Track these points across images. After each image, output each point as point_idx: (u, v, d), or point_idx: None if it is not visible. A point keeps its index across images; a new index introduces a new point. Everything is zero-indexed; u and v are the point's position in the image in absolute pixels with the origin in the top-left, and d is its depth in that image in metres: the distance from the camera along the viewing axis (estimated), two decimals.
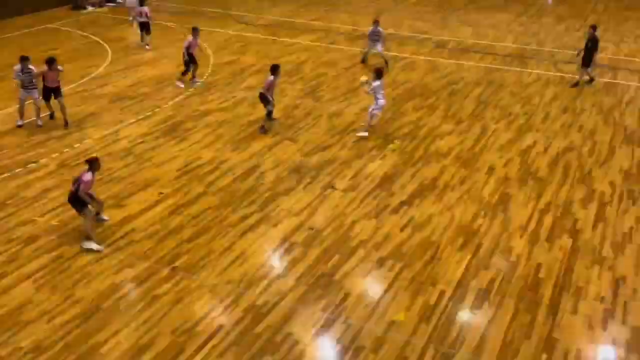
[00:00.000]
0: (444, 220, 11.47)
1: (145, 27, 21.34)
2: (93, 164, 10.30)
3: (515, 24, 26.77)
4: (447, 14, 28.52)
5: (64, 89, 16.58)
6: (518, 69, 20.48)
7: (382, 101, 14.79)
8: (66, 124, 14.98)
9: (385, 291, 9.56)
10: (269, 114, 15.12)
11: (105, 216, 11.16)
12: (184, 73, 17.99)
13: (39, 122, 15.02)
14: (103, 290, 9.41)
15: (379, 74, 14.75)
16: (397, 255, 10.44)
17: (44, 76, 14.57)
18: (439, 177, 13.11)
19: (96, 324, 8.69)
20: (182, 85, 17.87)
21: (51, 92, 14.84)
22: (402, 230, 11.17)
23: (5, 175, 12.70)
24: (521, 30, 25.77)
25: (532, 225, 11.38)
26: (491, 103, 17.39)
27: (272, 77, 14.81)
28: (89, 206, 10.42)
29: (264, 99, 15.01)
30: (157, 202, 11.85)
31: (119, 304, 9.12)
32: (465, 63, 21.08)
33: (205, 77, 18.89)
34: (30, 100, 14.92)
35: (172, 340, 8.45)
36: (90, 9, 27.41)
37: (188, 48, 17.78)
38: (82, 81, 18.06)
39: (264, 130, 15.00)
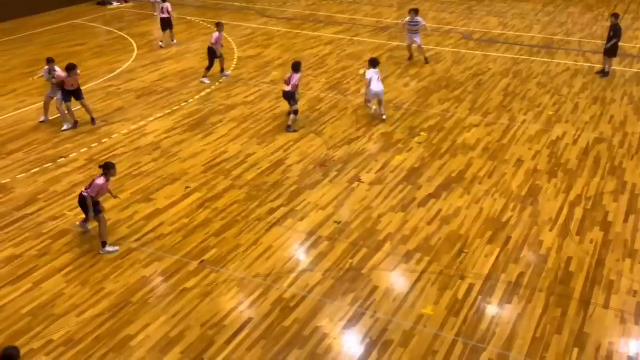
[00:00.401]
0: (472, 213, 11.36)
1: (167, 24, 21.30)
2: (108, 170, 10.15)
3: (542, 14, 26.37)
4: (472, 5, 28.20)
5: (91, 84, 16.80)
6: (546, 59, 20.18)
7: (374, 88, 14.87)
8: (93, 121, 15.09)
9: (413, 285, 9.50)
10: (296, 112, 14.98)
11: (88, 226, 10.71)
12: (207, 69, 18.02)
13: (64, 127, 14.86)
14: (132, 283, 9.50)
15: (373, 63, 15.04)
16: (424, 248, 10.38)
17: (63, 81, 14.56)
18: (466, 169, 12.98)
19: (126, 317, 8.78)
20: (208, 81, 17.91)
21: (71, 94, 14.78)
22: (429, 223, 11.09)
23: (35, 170, 12.87)
24: (548, 19, 25.38)
25: (562, 217, 11.22)
26: (519, 94, 17.17)
27: (297, 75, 14.63)
28: (102, 212, 10.25)
29: (292, 97, 14.81)
30: (184, 196, 11.92)
31: (148, 298, 9.20)
32: (491, 54, 20.84)
33: (229, 70, 18.92)
34: (55, 98, 15.02)
35: (201, 333, 8.50)
36: (115, 4, 27.62)
37: (215, 43, 17.74)
38: (108, 76, 18.21)
39: (291, 129, 14.79)
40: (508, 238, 10.65)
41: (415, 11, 19.19)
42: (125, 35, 22.80)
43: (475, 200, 11.82)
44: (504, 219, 11.20)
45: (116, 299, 9.16)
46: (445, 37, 22.83)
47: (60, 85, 14.55)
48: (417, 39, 19.35)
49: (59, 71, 14.58)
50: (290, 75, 14.65)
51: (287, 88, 14.64)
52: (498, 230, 10.87)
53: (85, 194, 10.09)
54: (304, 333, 8.52)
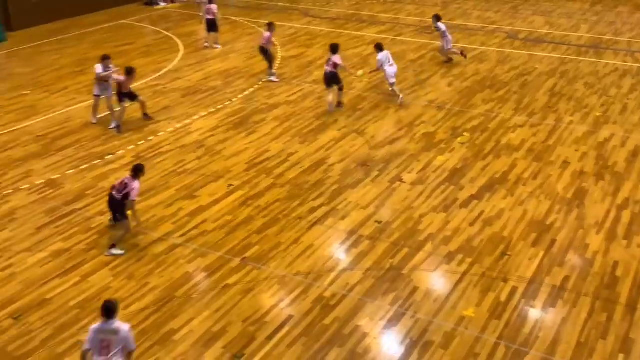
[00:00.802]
0: (516, 215, 11.22)
1: (212, 26, 21.48)
2: (139, 172, 10.29)
3: (590, 13, 25.80)
4: (518, 4, 27.76)
5: (138, 83, 17.17)
6: (593, 60, 19.75)
7: (390, 69, 16.09)
8: (147, 116, 15.41)
9: (455, 286, 9.44)
10: (341, 88, 16.10)
11: (118, 251, 10.38)
12: (270, 67, 18.23)
13: (112, 125, 15.14)
14: (177, 279, 9.69)
15: (379, 47, 16.35)
16: (466, 250, 10.29)
17: (120, 83, 14.71)
18: (511, 170, 12.82)
19: (170, 312, 8.96)
20: (277, 80, 18.13)
21: (125, 96, 14.95)
22: (472, 224, 10.99)
23: (84, 166, 13.23)
24: (596, 19, 24.82)
25: (609, 221, 10.98)
26: (565, 95, 16.85)
27: (337, 56, 15.71)
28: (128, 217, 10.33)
29: (336, 78, 15.75)
30: (227, 194, 12.09)
31: (191, 293, 9.37)
32: (537, 54, 20.49)
33: (268, 78, 19.05)
34: (104, 96, 15.30)
35: (243, 330, 8.62)
36: (162, 4, 28.13)
37: (266, 43, 17.88)
38: (155, 76, 18.58)
39: (341, 106, 16.10)
40: (553, 241, 10.47)
41: (436, 17, 19.25)
42: (172, 36, 23.20)
43: (520, 202, 11.66)
44: (548, 222, 11.02)
45: (161, 293, 9.36)
46: (490, 37, 22.55)
47: (118, 87, 14.83)
48: (441, 42, 19.33)
49: (118, 75, 14.81)
50: (329, 58, 15.68)
51: (328, 69, 15.67)
52: (543, 233, 10.71)
53: (119, 196, 10.11)
54: (344, 332, 8.56)
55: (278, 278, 9.69)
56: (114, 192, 10.23)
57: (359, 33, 23.24)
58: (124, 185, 10.17)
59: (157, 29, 24.31)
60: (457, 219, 11.18)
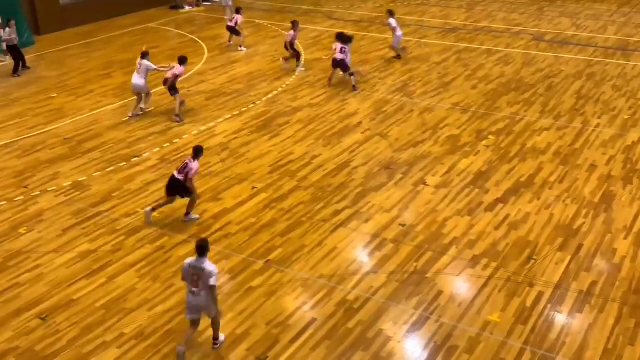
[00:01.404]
0: (542, 219, 11.09)
1: (232, 32, 21.68)
2: (199, 153, 11.07)
3: (618, 15, 25.45)
4: (544, 5, 27.48)
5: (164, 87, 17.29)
6: (621, 62, 19.47)
7: (399, 34, 18.69)
8: (178, 117, 16.01)
9: (480, 290, 9.36)
10: (352, 74, 17.41)
11: (194, 215, 11.41)
12: (298, 59, 19.25)
13: (141, 107, 16.09)
14: None
15: (391, 13, 19.00)
16: (491, 254, 10.20)
17: (177, 76, 15.67)
18: (536, 174, 12.68)
19: None
20: (304, 69, 19.25)
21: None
22: (497, 228, 10.89)
23: (111, 168, 13.37)
24: (624, 21, 24.47)
25: (638, 225, 10.81)
26: (592, 97, 16.63)
27: (347, 46, 17.27)
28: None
29: (345, 65, 17.24)
30: (251, 197, 12.13)
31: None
32: (564, 56, 20.26)
33: (296, 73, 19.13)
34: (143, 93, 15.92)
35: (266, 332, 8.64)
36: (187, 8, 28.35)
37: (291, 41, 18.81)
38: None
39: (356, 89, 17.39)
40: (580, 246, 10.33)
41: (389, 12, 20.00)
42: (197, 39, 23.37)
43: (546, 206, 11.52)
44: (575, 226, 10.87)
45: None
46: (516, 39, 22.35)
47: (172, 81, 15.55)
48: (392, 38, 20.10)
49: (177, 67, 15.57)
50: (335, 46, 17.23)
51: (338, 56, 17.11)
52: (569, 237, 10.57)
53: (181, 177, 10.89)
54: (368, 335, 8.53)
55: (301, 281, 9.69)
56: (175, 173, 10.99)
57: (382, 35, 23.19)
58: (184, 166, 10.92)
59: (182, 33, 24.51)
60: (482, 222, 11.09)
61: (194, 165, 10.92)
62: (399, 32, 19.72)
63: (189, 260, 8.07)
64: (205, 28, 25.17)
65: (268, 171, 13.13)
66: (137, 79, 15.65)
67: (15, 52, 19.34)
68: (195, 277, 7.94)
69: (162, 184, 12.52)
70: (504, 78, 18.31)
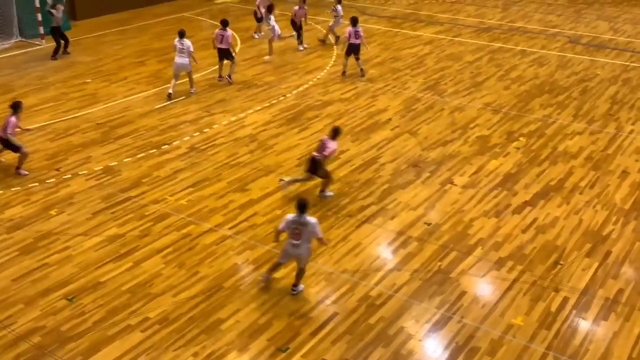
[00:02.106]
0: (571, 224, 10.95)
1: (258, 20, 22.07)
2: (337, 133, 11.60)
3: None
4: (581, 8, 27.04)
5: (196, 76, 17.46)
6: None
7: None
8: (229, 77, 17.47)
9: (504, 293, 9.29)
10: (358, 58, 18.03)
11: (328, 192, 11.91)
12: (298, 37, 20.20)
13: (192, 90, 16.80)
14: (226, 269, 9.83)
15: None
16: (517, 257, 10.11)
17: (221, 38, 17.19)
18: (567, 178, 12.52)
19: (218, 302, 9.10)
20: (306, 46, 20.81)
21: (223, 53, 17.46)
22: (524, 231, 10.79)
23: (141, 155, 13.54)
24: None
25: None
26: (627, 103, 16.35)
27: (350, 28, 17.63)
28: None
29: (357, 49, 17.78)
30: (278, 188, 12.18)
31: (239, 284, 9.50)
32: (599, 59, 19.93)
33: (328, 68, 19.13)
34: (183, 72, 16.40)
35: (288, 323, 8.69)
36: None
37: (296, 17, 20.33)
38: (212, 69, 18.83)
39: (363, 74, 18.08)
40: (608, 252, 10.19)
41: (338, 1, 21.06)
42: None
43: (575, 211, 11.38)
44: (604, 233, 10.73)
45: (210, 283, 9.51)
46: (551, 41, 22.04)
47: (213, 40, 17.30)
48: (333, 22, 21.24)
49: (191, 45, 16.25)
50: (350, 30, 17.58)
51: (356, 41, 17.55)
52: (598, 243, 10.43)
53: (320, 156, 11.41)
54: (389, 332, 8.53)
55: (325, 274, 9.72)
56: (315, 154, 11.47)
57: (415, 33, 23.07)
58: (322, 146, 11.42)
59: (216, 23, 24.57)
60: (509, 225, 10.99)
61: (332, 144, 11.42)
62: (341, 21, 21.04)
63: (289, 216, 8.97)
64: (239, 19, 25.23)
65: (295, 164, 13.17)
66: (182, 59, 16.16)
67: (58, 34, 19.56)
68: (297, 230, 8.85)
69: (191, 172, 12.71)
70: (538, 80, 18.09)
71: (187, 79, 16.71)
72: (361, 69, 18.11)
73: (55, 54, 19.62)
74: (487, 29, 23.50)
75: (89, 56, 20.22)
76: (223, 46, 17.42)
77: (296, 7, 20.68)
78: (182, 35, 16.28)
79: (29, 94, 16.85)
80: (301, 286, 9.33)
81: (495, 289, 9.41)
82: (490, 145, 13.97)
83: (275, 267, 9.40)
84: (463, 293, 9.29)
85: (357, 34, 17.63)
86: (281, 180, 11.96)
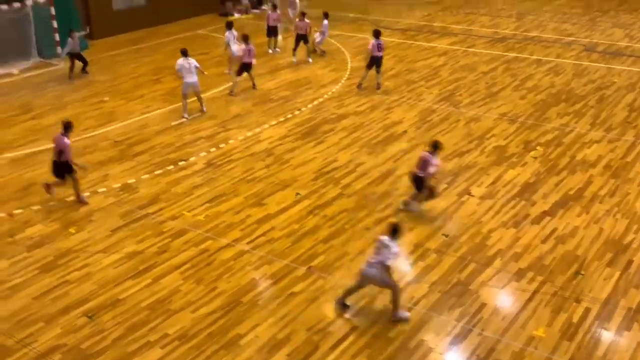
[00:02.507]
0: (591, 234, 10.83)
1: (273, 32, 22.24)
2: (438, 147, 11.27)
3: None
4: (596, 16, 26.90)
5: (212, 92, 17.61)
6: None
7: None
8: (254, 86, 18.23)
9: (525, 304, 9.19)
10: (379, 72, 18.27)
11: (416, 205, 11.68)
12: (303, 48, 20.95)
13: (204, 109, 16.72)
14: (244, 284, 9.83)
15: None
16: (537, 267, 10.01)
17: (247, 52, 17.76)
18: (586, 187, 12.40)
19: (237, 317, 9.09)
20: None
21: (245, 66, 18.07)
22: (543, 242, 10.68)
23: (158, 172, 13.63)
24: None
25: None
26: None
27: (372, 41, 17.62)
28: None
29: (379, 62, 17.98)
30: (294, 203, 12.19)
31: (257, 299, 9.49)
32: (616, 67, 19.78)
33: (343, 81, 19.19)
34: (193, 91, 16.32)
35: (307, 338, 8.65)
36: (236, 15, 28.75)
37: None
38: (228, 85, 18.98)
39: (379, 87, 18.19)
40: (630, 262, 10.05)
41: (325, 15, 21.52)
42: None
43: (595, 220, 11.26)
44: (626, 242, 10.59)
45: (228, 298, 9.51)
46: (567, 49, 21.94)
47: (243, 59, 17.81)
48: (319, 36, 21.75)
49: (195, 63, 16.15)
50: (373, 43, 17.61)
51: (379, 53, 17.66)
52: (619, 253, 10.29)
53: (424, 173, 11.15)
54: (409, 346, 8.46)
55: (343, 288, 9.66)
56: (417, 172, 11.26)
57: (430, 44, 23.08)
58: (423, 162, 11.19)
59: None
60: (528, 235, 10.90)
61: (435, 160, 11.19)
62: (326, 35, 21.64)
63: (383, 236, 8.83)
64: (254, 35, 25.37)
65: (312, 178, 13.19)
66: (193, 77, 16.13)
67: (75, 58, 19.82)
68: (379, 249, 8.72)
69: (208, 187, 12.77)
70: (554, 89, 17.99)
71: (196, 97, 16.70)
72: (378, 82, 18.14)
73: (70, 73, 19.83)
74: (501, 39, 23.45)
75: (106, 75, 20.47)
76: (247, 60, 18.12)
77: (297, 20, 21.26)
78: (185, 54, 16.14)
79: (48, 113, 17.08)
80: (403, 313, 8.93)
81: (516, 301, 9.31)
82: (507, 155, 13.89)
83: (352, 291, 9.11)
84: (483, 305, 9.21)
85: (379, 47, 17.68)
86: (402, 205, 11.63)
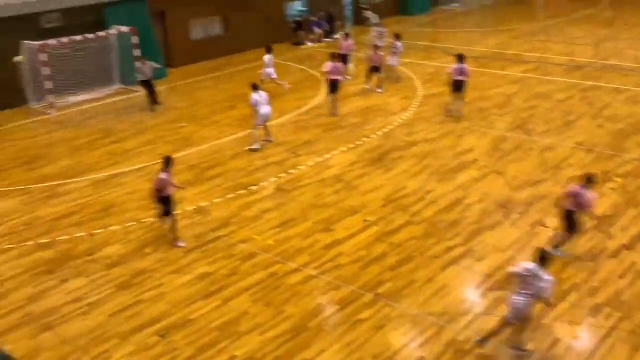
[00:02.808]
0: None
1: (344, 59, 22.23)
2: (592, 181, 10.45)
3: None
4: None
5: (283, 118, 17.96)
6: None
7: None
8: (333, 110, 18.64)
9: (601, 341, 8.83)
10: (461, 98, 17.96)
11: (562, 251, 10.80)
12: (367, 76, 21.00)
13: (270, 138, 16.85)
14: (310, 309, 9.89)
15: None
16: (615, 303, 9.61)
17: (331, 70, 18.46)
18: None
19: (303, 341, 9.14)
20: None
21: (333, 84, 18.59)
22: (621, 276, 10.26)
23: (230, 195, 13.96)
24: None
25: None
26: None
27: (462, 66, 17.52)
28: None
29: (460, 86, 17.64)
30: (362, 229, 12.21)
31: (324, 325, 9.52)
32: None
33: (413, 108, 19.17)
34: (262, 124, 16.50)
35: None
36: (308, 44, 29.30)
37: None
38: (298, 111, 19.32)
39: (460, 113, 17.84)
40: None
41: (396, 36, 21.63)
42: (315, 73, 24.03)
43: None
44: None
45: (295, 322, 9.58)
46: None
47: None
48: (395, 61, 21.78)
49: (266, 95, 16.25)
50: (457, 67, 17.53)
51: (460, 77, 17.42)
52: None
53: (575, 208, 10.41)
54: None
55: (410, 316, 9.59)
56: (571, 208, 10.47)
57: (502, 72, 22.77)
58: (576, 196, 10.38)
59: (303, 67, 25.32)
60: (605, 269, 10.50)
61: (591, 194, 10.38)
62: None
63: (527, 264, 8.31)
64: (322, 63, 25.79)
65: (380, 204, 13.18)
66: (268, 108, 16.39)
67: (146, 86, 20.46)
68: (528, 281, 8.19)
69: (278, 212, 12.98)
70: (633, 118, 17.36)
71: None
72: (456, 108, 17.94)
73: (149, 100, 20.42)
74: (577, 67, 22.88)
75: (184, 101, 21.22)
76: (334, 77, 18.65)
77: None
78: (256, 88, 16.29)
79: (128, 137, 17.85)
80: (527, 351, 8.65)
81: (591, 337, 8.96)
82: None
83: (500, 329, 8.67)
84: (556, 340, 8.90)
85: (461, 71, 17.56)
86: (554, 251, 10.39)
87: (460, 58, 17.74)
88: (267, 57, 20.98)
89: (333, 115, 18.56)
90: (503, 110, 18.55)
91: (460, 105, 17.97)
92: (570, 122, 17.27)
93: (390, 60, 21.65)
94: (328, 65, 18.74)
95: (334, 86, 18.74)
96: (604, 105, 18.50)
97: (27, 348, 9.23)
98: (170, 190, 11.74)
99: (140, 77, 20.32)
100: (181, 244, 11.87)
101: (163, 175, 11.64)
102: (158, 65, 21.32)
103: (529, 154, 15.31)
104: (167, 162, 11.73)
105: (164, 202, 11.78)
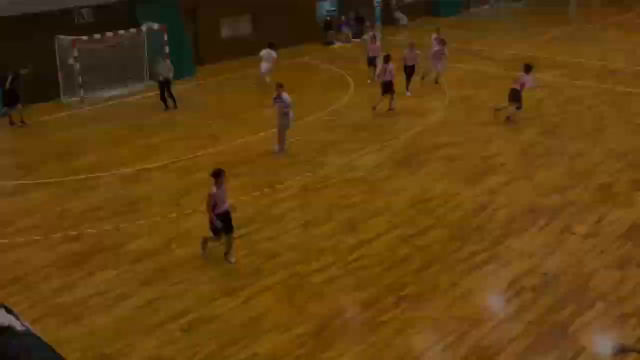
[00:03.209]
0: None
1: (372, 61, 22.26)
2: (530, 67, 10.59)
3: None
4: None
5: (311, 117, 17.96)
6: None
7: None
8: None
9: (628, 353, 8.66)
10: (519, 108, 17.35)
11: None
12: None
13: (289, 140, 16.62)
14: (333, 309, 9.88)
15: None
16: None
17: (386, 70, 18.65)
18: None
19: (325, 341, 9.14)
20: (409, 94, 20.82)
21: (388, 85, 18.71)
22: None
23: (256, 193, 14.02)
24: None
25: None
26: None
27: (528, 76, 17.14)
28: None
29: (516, 96, 17.19)
30: (387, 230, 12.17)
31: (346, 325, 9.51)
32: None
33: (441, 112, 19.05)
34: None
35: None
36: (338, 44, 29.31)
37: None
38: (327, 110, 19.32)
39: (509, 120, 17.41)
40: None
41: (438, 39, 21.62)
42: (344, 73, 24.02)
43: None
44: None
45: (317, 321, 9.58)
46: None
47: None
48: (439, 66, 21.65)
49: (288, 99, 15.82)
50: (522, 76, 17.19)
51: (516, 86, 17.19)
52: None
53: None
54: None
55: (433, 320, 9.53)
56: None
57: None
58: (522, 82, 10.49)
59: (332, 67, 25.32)
60: (633, 279, 10.32)
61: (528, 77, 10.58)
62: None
63: None
64: (354, 63, 25.78)
65: (406, 206, 13.12)
66: (292, 113, 16.15)
67: (164, 85, 20.04)
68: None
69: (302, 211, 13.00)
70: None
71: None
72: (509, 117, 17.55)
73: (173, 105, 20.19)
74: (611, 72, 22.51)
75: (213, 99, 21.36)
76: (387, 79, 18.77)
77: (406, 50, 21.01)
78: (282, 86, 16.07)
79: (157, 133, 18.04)
80: None
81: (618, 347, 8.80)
82: (614, 193, 13.25)
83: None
84: (581, 350, 8.78)
85: (523, 82, 17.26)
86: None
87: (528, 68, 17.39)
88: (264, 52, 21.56)
89: (391, 110, 18.98)
90: (533, 114, 18.33)
91: (512, 112, 17.55)
92: (601, 128, 17.01)
93: (439, 65, 21.56)
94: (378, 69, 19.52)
95: (388, 87, 18.86)
96: (636, 112, 18.17)
97: (53, 339, 9.38)
98: (227, 205, 11.02)
99: (158, 78, 20.22)
100: (232, 259, 11.26)
101: (215, 190, 10.81)
102: (171, 68, 20.52)
103: (559, 160, 15.11)
104: (217, 175, 10.76)
105: (223, 219, 10.93)
